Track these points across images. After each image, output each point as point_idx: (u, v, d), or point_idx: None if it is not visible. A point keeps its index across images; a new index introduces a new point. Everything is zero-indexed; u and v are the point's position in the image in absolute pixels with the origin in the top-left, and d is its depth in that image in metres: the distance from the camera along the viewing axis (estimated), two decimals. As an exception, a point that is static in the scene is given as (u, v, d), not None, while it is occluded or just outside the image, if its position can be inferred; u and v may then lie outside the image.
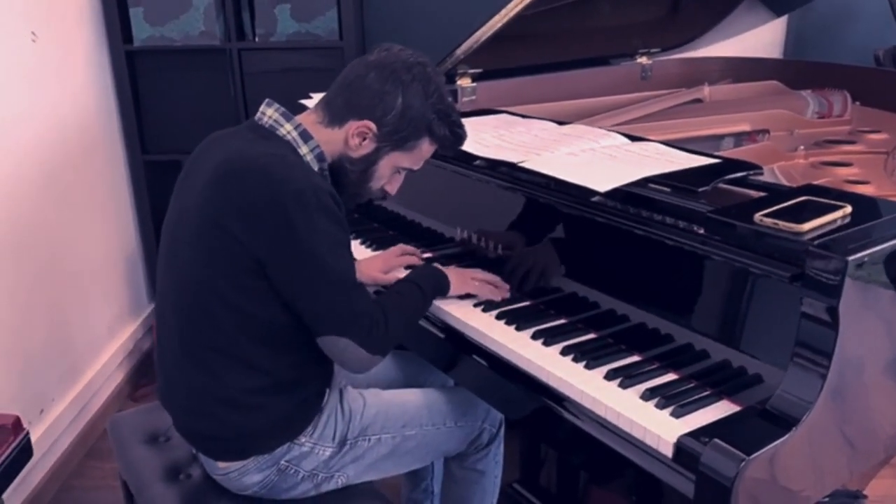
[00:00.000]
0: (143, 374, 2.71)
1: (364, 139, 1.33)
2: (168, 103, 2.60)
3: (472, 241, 1.65)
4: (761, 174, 1.39)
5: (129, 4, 2.46)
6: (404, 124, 1.32)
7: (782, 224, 1.10)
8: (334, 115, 1.33)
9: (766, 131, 2.09)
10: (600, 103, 2.35)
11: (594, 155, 1.51)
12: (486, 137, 1.66)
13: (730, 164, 1.42)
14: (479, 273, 1.53)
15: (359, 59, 1.37)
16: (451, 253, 1.71)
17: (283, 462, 1.35)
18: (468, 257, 1.67)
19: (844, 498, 1.46)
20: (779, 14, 2.68)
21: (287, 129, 1.32)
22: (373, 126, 1.31)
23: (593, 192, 1.34)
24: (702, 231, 1.20)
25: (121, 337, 2.63)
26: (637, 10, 2.58)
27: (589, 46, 2.51)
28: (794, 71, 2.54)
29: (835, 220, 1.12)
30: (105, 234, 2.55)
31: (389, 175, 1.39)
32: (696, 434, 1.08)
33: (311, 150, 1.32)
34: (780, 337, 1.14)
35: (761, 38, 2.77)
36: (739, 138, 2.08)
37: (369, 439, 1.43)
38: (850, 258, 0.99)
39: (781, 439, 1.01)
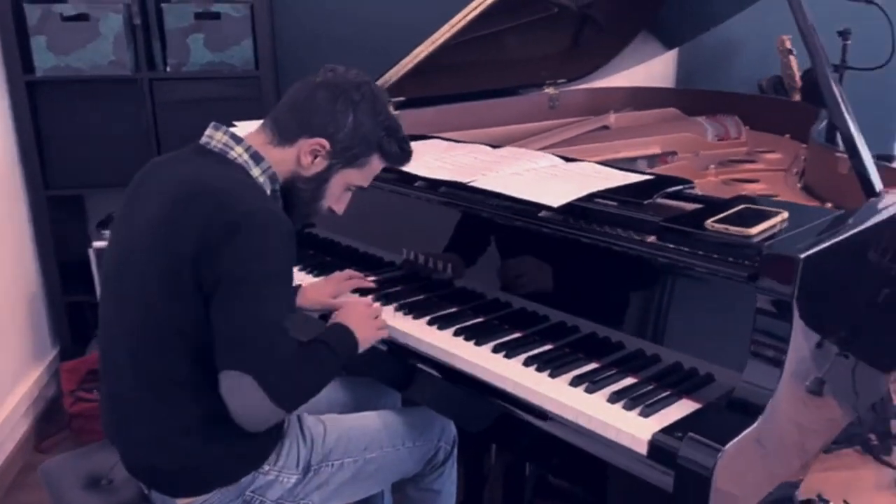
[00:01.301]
0: (49, 422, 2.52)
1: (316, 157, 1.33)
2: (73, 135, 2.48)
3: (418, 262, 1.67)
4: (693, 188, 1.49)
5: (31, 33, 2.35)
6: (356, 142, 1.34)
7: (733, 229, 1.19)
8: (284, 134, 1.33)
9: (675, 153, 2.24)
10: (515, 131, 2.45)
11: (538, 174, 1.57)
12: (428, 160, 1.70)
13: (665, 179, 1.52)
14: (373, 309, 1.48)
15: (303, 80, 1.37)
16: (396, 276, 1.72)
17: (248, 493, 1.31)
18: (413, 279, 1.68)
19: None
20: (670, 47, 2.88)
21: (239, 152, 1.31)
22: (326, 143, 1.32)
23: (547, 208, 1.39)
24: (653, 240, 1.28)
25: (24, 384, 2.45)
26: (542, 44, 2.70)
27: (501, 77, 2.61)
28: (690, 99, 2.73)
29: (776, 224, 1.22)
30: (3, 275, 2.38)
31: (340, 193, 1.40)
32: (668, 430, 1.14)
33: (264, 172, 1.32)
34: (725, 337, 1.24)
35: (655, 69, 2.97)
36: (652, 160, 2.21)
37: (332, 464, 1.40)
38: (802, 255, 1.09)
39: (751, 427, 1.09)
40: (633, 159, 2.21)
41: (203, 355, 1.22)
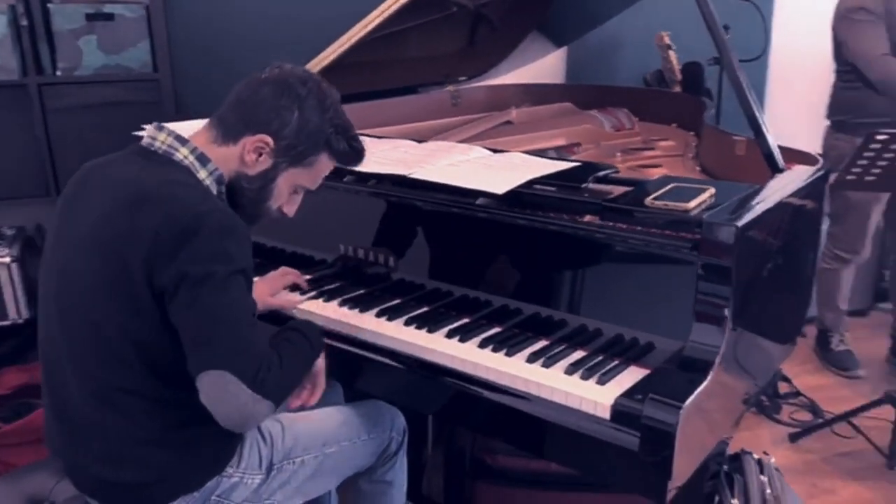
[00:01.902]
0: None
1: (260, 155, 1.29)
2: (-47, 146, 2.30)
3: (357, 256, 1.68)
4: (619, 172, 1.59)
5: None
6: (302, 139, 1.30)
7: (672, 204, 1.29)
8: (227, 131, 1.29)
9: (579, 144, 2.36)
10: (422, 128, 2.49)
11: (473, 164, 1.62)
12: (359, 156, 1.71)
13: (592, 165, 1.61)
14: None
15: (250, 77, 1.34)
16: (334, 272, 1.73)
17: (213, 497, 1.28)
18: (352, 274, 1.70)
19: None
20: (559, 45, 3.02)
21: (184, 154, 1.27)
22: (269, 140, 1.28)
23: (491, 195, 1.44)
24: (599, 220, 1.36)
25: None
26: (440, 43, 2.77)
27: (404, 76, 2.65)
28: (582, 94, 2.87)
29: (706, 199, 1.33)
30: None
31: (288, 194, 1.37)
32: (628, 395, 1.22)
33: (210, 174, 1.28)
34: (668, 305, 1.34)
35: (546, 66, 3.10)
36: (559, 152, 2.32)
37: (294, 462, 1.40)
38: (739, 224, 1.20)
39: (704, 384, 1.18)
40: (543, 151, 2.30)
41: (162, 365, 1.19)
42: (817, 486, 2.25)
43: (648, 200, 1.31)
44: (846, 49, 2.65)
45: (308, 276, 1.72)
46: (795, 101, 3.06)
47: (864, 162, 2.00)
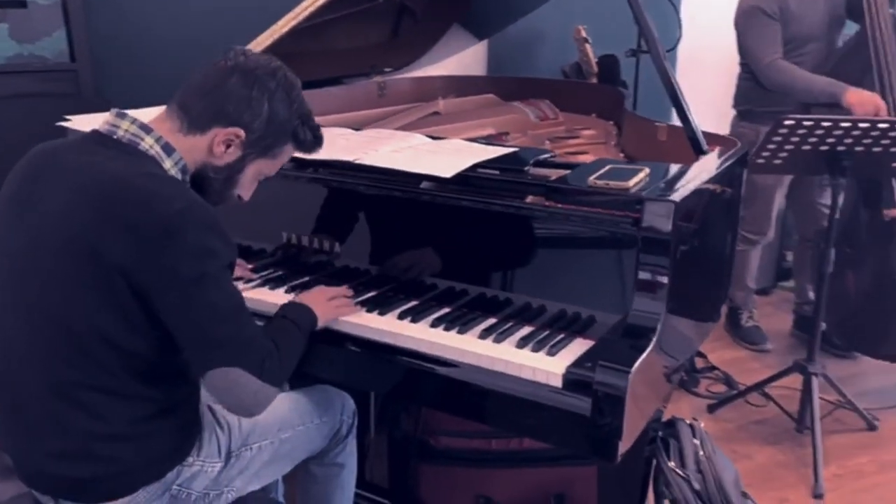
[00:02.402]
0: None
1: (230, 146, 1.28)
2: None
3: (302, 244, 1.69)
4: (556, 156, 1.66)
5: None
6: (271, 131, 1.30)
7: (612, 183, 1.36)
8: (195, 121, 1.27)
9: (508, 133, 2.43)
10: (352, 118, 2.50)
11: (417, 150, 1.66)
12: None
13: (531, 150, 1.67)
14: (330, 291, 1.51)
15: (212, 63, 1.30)
16: (275, 261, 1.73)
17: (174, 487, 1.28)
18: (296, 262, 1.70)
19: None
20: (481, 38, 3.08)
21: (150, 143, 1.24)
22: (241, 133, 1.27)
23: (440, 179, 1.48)
24: (545, 200, 1.42)
25: None
26: (365, 34, 2.78)
27: (330, 67, 2.66)
28: (504, 85, 2.95)
29: (643, 179, 1.41)
30: None
31: (251, 183, 1.37)
32: (578, 363, 1.29)
33: (175, 164, 1.26)
34: (610, 278, 1.41)
35: (468, 59, 3.16)
36: (489, 140, 2.38)
37: (251, 448, 1.40)
38: (677, 199, 1.29)
39: (648, 349, 1.26)
40: (473, 140, 2.36)
41: (133, 361, 1.18)
42: (736, 452, 2.40)
43: (591, 180, 1.38)
44: (742, 49, 2.83)
45: (251, 266, 1.71)
46: (702, 91, 3.23)
47: (773, 146, 2.15)
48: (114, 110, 1.27)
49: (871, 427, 2.53)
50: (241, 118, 1.27)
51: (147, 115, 1.31)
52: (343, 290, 1.52)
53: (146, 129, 1.25)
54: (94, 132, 1.26)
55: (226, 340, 1.18)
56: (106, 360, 1.17)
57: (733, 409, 2.65)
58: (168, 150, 1.25)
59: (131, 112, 1.28)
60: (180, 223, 1.14)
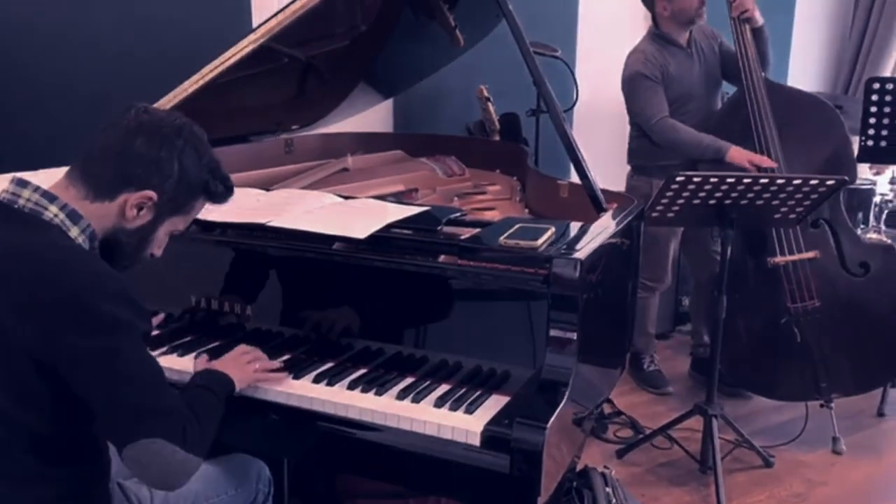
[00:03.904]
0: None
1: (142, 210, 1.26)
2: None
3: (211, 308, 1.66)
4: (466, 215, 1.71)
5: None
6: (182, 188, 1.28)
7: (522, 243, 1.41)
8: (102, 188, 1.23)
9: (417, 189, 2.48)
10: (259, 176, 2.49)
11: (329, 210, 1.67)
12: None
13: (442, 209, 1.72)
14: (247, 355, 1.49)
15: (112, 124, 1.26)
16: (182, 325, 1.69)
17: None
18: (205, 326, 1.67)
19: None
20: (387, 96, 3.15)
21: (54, 212, 1.19)
22: (153, 195, 1.25)
23: (354, 240, 1.50)
24: (457, 259, 1.46)
25: None
26: (272, 92, 2.79)
27: (235, 125, 2.65)
28: (411, 142, 3.01)
29: (550, 237, 1.47)
30: None
31: (164, 240, 1.35)
32: (495, 421, 1.32)
33: (83, 231, 1.22)
34: (522, 335, 1.46)
35: (375, 116, 3.21)
36: (399, 197, 2.42)
37: (163, 524, 1.35)
38: (582, 258, 1.35)
39: (562, 404, 1.30)
40: (383, 197, 2.39)
41: (35, 441, 1.13)
42: (646, 496, 2.47)
43: (502, 240, 1.43)
44: (631, 111, 3.00)
45: (156, 332, 1.67)
46: (598, 146, 3.38)
47: (666, 201, 2.27)
48: (14, 177, 1.21)
49: (768, 464, 2.65)
50: (151, 181, 1.24)
51: (49, 176, 1.27)
52: (260, 353, 1.50)
53: (50, 197, 1.20)
54: None
55: (145, 411, 1.15)
56: (10, 444, 1.11)
57: (641, 453, 2.73)
58: (74, 217, 1.21)
59: (33, 178, 1.23)
60: (89, 297, 1.11)
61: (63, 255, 1.15)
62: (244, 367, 1.43)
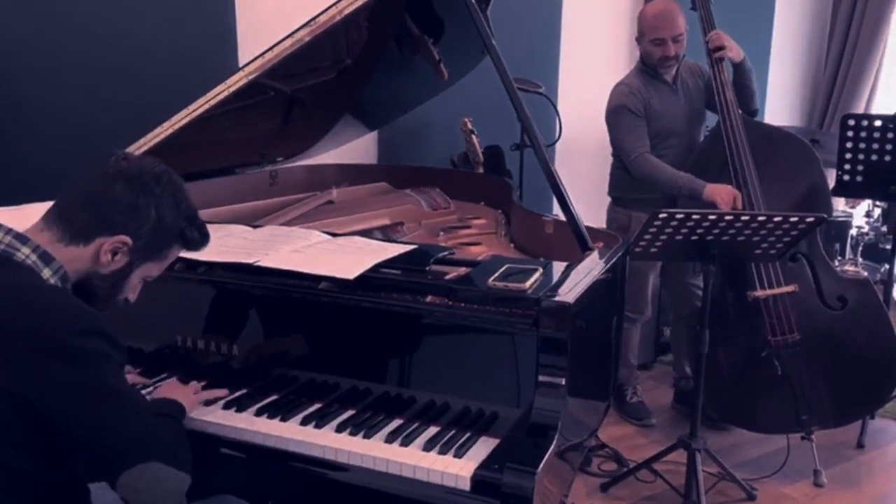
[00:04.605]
0: None
1: (116, 254, 1.27)
2: None
3: (197, 347, 1.64)
4: (454, 253, 1.71)
5: None
6: (158, 235, 1.30)
7: (511, 285, 1.42)
8: (77, 231, 1.24)
9: (402, 223, 2.48)
10: (243, 209, 2.49)
11: (317, 249, 1.67)
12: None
13: (431, 248, 1.72)
14: (180, 386, 1.55)
15: (93, 169, 1.29)
16: (166, 365, 1.67)
17: None
18: (189, 366, 1.65)
19: None
20: (372, 129, 3.16)
21: (26, 253, 1.20)
22: (128, 240, 1.26)
23: (343, 281, 1.49)
24: (446, 301, 1.46)
25: None
26: (256, 125, 2.80)
27: (219, 158, 2.64)
28: (396, 174, 3.02)
29: (538, 279, 1.48)
30: None
31: (138, 285, 1.36)
32: (485, 465, 1.31)
33: (55, 273, 1.22)
34: (511, 377, 1.46)
35: (359, 147, 3.22)
36: (385, 231, 2.42)
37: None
38: (571, 301, 1.35)
39: (551, 447, 1.30)
40: (369, 231, 2.39)
41: (14, 488, 1.13)
42: (629, 530, 2.47)
43: (490, 282, 1.44)
44: (613, 143, 3.04)
45: (139, 370, 1.65)
46: (580, 178, 3.42)
47: (649, 236, 2.30)
48: None
49: (751, 497, 2.66)
50: (128, 226, 1.27)
51: (29, 211, 1.29)
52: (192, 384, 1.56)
53: (22, 238, 1.21)
54: None
55: (136, 437, 1.19)
56: None
57: (625, 487, 2.73)
58: (46, 258, 1.22)
59: (3, 220, 1.24)
60: (64, 334, 1.13)
61: (34, 294, 1.17)
62: (185, 393, 1.48)
